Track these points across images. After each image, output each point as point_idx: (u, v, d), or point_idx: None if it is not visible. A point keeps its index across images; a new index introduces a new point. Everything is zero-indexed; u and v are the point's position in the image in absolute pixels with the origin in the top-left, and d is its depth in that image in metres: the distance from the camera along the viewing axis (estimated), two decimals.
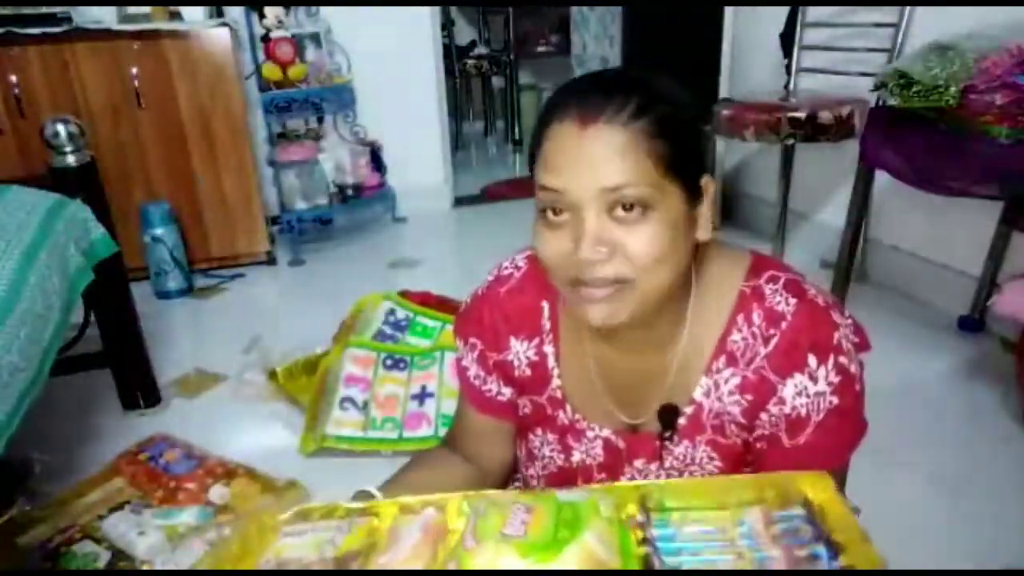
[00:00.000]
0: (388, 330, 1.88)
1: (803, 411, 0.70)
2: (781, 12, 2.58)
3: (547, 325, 0.83)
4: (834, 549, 0.60)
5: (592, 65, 4.43)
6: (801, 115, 2.12)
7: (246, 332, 2.15)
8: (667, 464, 0.78)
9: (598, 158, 0.63)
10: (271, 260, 2.93)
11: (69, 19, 2.43)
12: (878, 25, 2.26)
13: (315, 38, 2.98)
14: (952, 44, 1.69)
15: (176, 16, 2.62)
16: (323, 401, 1.69)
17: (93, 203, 1.62)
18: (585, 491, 0.68)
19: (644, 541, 0.62)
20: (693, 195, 0.69)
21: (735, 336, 0.73)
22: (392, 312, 1.93)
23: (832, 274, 2.18)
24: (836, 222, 2.25)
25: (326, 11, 3.01)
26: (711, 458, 0.76)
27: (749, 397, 0.73)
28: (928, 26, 2.09)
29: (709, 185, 0.70)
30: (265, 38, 2.82)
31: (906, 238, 2.35)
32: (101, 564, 1.30)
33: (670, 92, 0.67)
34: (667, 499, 0.67)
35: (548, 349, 0.83)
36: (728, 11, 3.15)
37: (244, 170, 2.77)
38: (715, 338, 0.74)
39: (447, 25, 4.65)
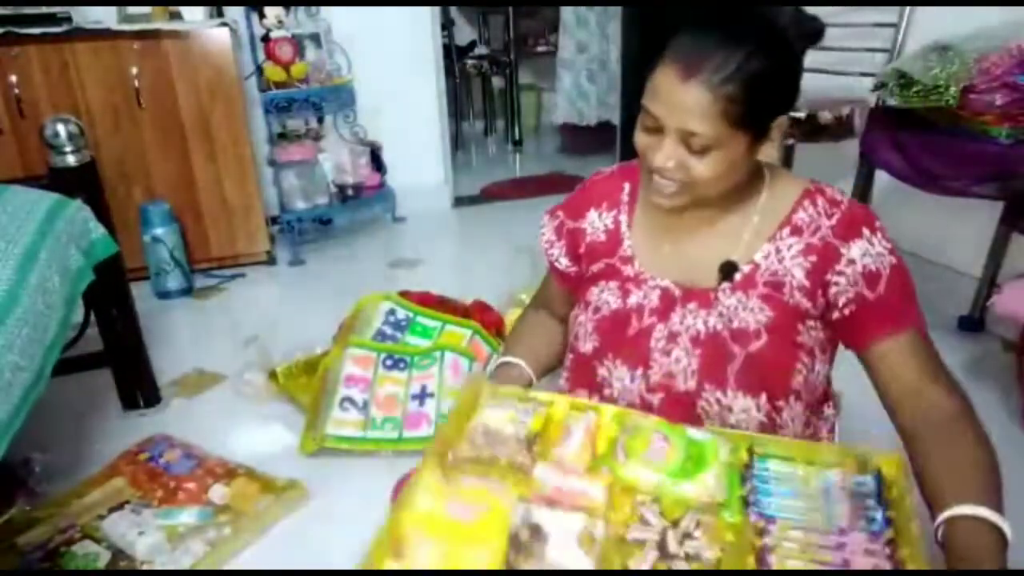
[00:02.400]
0: (388, 330, 1.88)
1: (873, 266, 0.87)
2: None
3: (625, 199, 1.03)
4: (888, 520, 0.76)
5: (581, 68, 4.42)
6: (801, 115, 2.13)
7: (246, 332, 2.15)
8: (716, 311, 0.92)
9: (685, 108, 0.81)
10: (271, 260, 2.92)
11: (69, 19, 2.42)
12: (878, 25, 2.26)
13: (315, 38, 2.98)
14: (952, 44, 1.70)
15: (176, 16, 2.61)
16: (323, 401, 1.69)
17: (93, 203, 1.62)
18: (707, 432, 0.87)
19: (745, 484, 0.82)
20: (760, 136, 0.85)
21: (801, 214, 0.91)
22: (392, 312, 1.92)
23: None
24: None
25: (326, 11, 3.01)
26: (762, 309, 0.90)
27: (813, 259, 0.88)
28: (928, 26, 2.10)
29: (779, 125, 0.86)
30: (265, 38, 2.82)
31: (906, 238, 2.35)
32: (101, 564, 1.30)
33: (771, 45, 0.81)
34: (770, 448, 0.87)
35: (623, 218, 1.02)
36: None
37: (244, 170, 2.77)
38: (780, 217, 0.91)
39: (447, 25, 4.64)
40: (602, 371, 0.99)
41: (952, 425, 0.85)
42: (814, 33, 0.87)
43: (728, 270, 0.92)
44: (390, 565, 0.74)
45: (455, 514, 0.79)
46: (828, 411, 1.04)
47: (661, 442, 0.85)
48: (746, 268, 0.92)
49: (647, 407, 0.96)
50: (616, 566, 0.74)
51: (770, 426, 0.92)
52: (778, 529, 0.77)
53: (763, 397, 0.90)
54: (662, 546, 0.75)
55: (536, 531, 0.76)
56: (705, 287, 0.94)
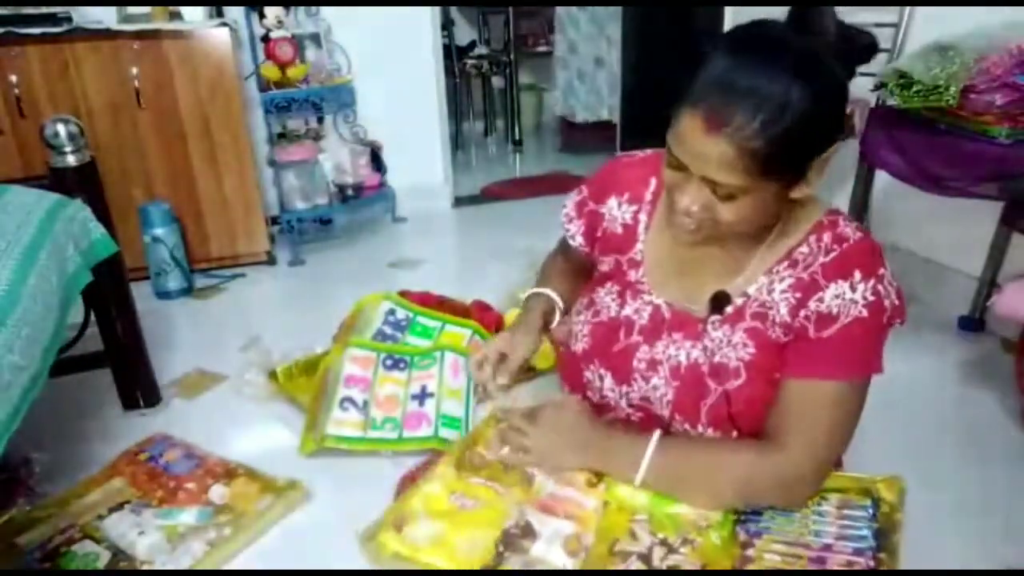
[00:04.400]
0: (388, 330, 1.88)
1: (835, 310, 0.81)
2: (781, 12, 2.57)
3: (648, 197, 0.99)
4: (877, 538, 0.77)
5: (581, 67, 4.42)
6: None
7: (246, 332, 2.15)
8: (702, 344, 0.89)
9: (710, 159, 0.76)
10: (271, 260, 2.92)
11: (69, 19, 2.42)
12: (878, 25, 2.26)
13: (315, 38, 2.98)
14: (952, 44, 1.69)
15: (176, 16, 2.61)
16: (323, 401, 1.69)
17: (93, 203, 1.62)
18: None
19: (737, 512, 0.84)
20: (794, 180, 0.80)
21: (803, 248, 0.86)
22: (392, 312, 1.92)
23: None
24: None
25: (326, 11, 3.01)
26: (745, 344, 0.87)
27: (798, 295, 0.84)
28: (928, 26, 2.09)
29: (817, 165, 0.80)
30: (265, 38, 2.82)
31: (906, 238, 2.35)
32: (101, 564, 1.30)
33: (797, 106, 0.73)
34: None
35: (642, 217, 0.99)
36: (728, 11, 3.16)
37: (244, 170, 2.77)
38: (785, 250, 0.87)
39: (447, 25, 4.64)
40: (588, 374, 0.99)
41: (746, 452, 0.85)
42: (864, 48, 0.81)
43: (719, 302, 0.89)
44: (390, 536, 0.82)
45: (457, 503, 0.86)
46: None
47: None
48: (739, 301, 0.88)
49: (628, 420, 0.97)
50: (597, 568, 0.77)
51: None
52: (762, 542, 0.79)
53: (733, 434, 0.89)
54: (646, 559, 0.78)
55: (527, 528, 0.81)
56: (697, 315, 0.91)
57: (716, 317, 0.89)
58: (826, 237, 0.85)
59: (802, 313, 0.83)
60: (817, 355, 0.82)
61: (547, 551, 0.79)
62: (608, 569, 0.76)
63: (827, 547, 0.77)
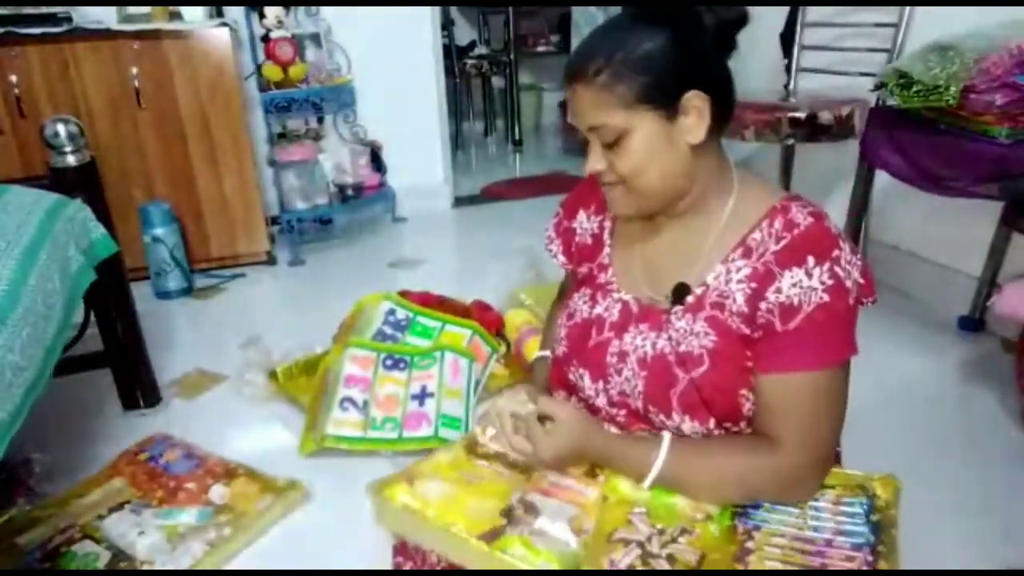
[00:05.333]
0: (388, 330, 1.88)
1: (796, 300, 0.81)
2: (781, 12, 2.58)
3: None
4: (875, 533, 0.77)
5: None
6: (801, 115, 2.12)
7: (246, 332, 2.15)
8: (667, 335, 0.90)
9: (579, 110, 0.87)
10: (271, 260, 2.92)
11: (69, 19, 2.42)
12: (878, 25, 2.26)
13: (315, 38, 2.98)
14: (952, 44, 1.69)
15: (176, 16, 2.61)
16: (323, 401, 1.69)
17: (93, 203, 1.62)
18: None
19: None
20: (671, 113, 0.84)
21: (756, 235, 0.87)
22: (392, 312, 1.92)
23: None
24: (836, 222, 2.25)
25: (326, 11, 3.01)
26: (707, 333, 0.87)
27: (754, 285, 0.85)
28: (928, 26, 2.09)
29: (693, 100, 0.84)
30: (265, 38, 2.82)
31: (906, 238, 2.35)
32: (101, 564, 1.30)
33: (636, 39, 0.82)
34: None
35: (607, 224, 1.04)
36: None
37: (244, 170, 2.77)
38: (739, 237, 0.88)
39: (447, 25, 4.64)
40: (571, 376, 1.01)
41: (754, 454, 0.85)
42: (736, 19, 0.87)
43: (680, 292, 0.90)
44: (402, 487, 0.85)
45: (465, 477, 0.90)
46: None
47: None
48: (698, 291, 0.89)
49: (612, 420, 0.97)
50: (598, 555, 0.77)
51: None
52: (761, 535, 0.80)
53: (711, 422, 0.88)
54: (645, 547, 0.78)
55: (530, 507, 0.83)
56: (661, 306, 0.93)
57: (678, 308, 0.90)
58: (777, 223, 0.86)
59: (763, 305, 0.83)
60: (787, 347, 0.82)
61: (551, 525, 0.80)
62: (607, 569, 0.76)
63: (827, 543, 0.78)
